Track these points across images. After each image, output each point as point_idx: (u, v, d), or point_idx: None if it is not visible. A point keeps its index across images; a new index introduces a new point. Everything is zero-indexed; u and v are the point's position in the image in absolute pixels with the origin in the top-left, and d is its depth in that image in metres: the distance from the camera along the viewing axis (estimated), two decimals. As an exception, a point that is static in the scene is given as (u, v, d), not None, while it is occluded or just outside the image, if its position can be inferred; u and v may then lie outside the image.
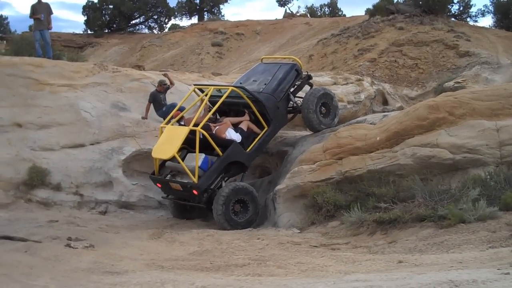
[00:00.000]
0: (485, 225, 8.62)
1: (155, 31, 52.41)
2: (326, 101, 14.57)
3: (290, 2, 53.78)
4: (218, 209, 12.25)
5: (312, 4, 53.72)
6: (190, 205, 13.54)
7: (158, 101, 15.26)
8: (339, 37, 31.11)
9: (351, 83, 20.31)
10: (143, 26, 53.21)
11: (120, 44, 46.51)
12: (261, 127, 13.61)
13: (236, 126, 13.41)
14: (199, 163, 12.41)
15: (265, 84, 14.07)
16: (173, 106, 15.18)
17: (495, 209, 8.97)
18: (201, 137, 12.45)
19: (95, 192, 14.22)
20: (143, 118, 15.10)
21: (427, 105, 11.66)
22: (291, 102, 14.34)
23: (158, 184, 13.37)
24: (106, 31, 49.92)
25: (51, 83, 15.34)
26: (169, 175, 13.13)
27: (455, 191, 9.81)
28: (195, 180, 12.27)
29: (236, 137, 13.11)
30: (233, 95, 13.43)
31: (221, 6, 55.46)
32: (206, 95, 13.74)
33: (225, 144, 12.90)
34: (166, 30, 51.49)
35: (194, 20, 53.58)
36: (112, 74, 16.61)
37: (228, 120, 13.59)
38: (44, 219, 12.24)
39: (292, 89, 14.40)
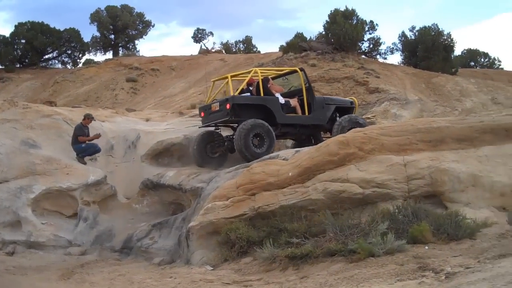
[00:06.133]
0: (393, 258, 8.77)
1: (68, 66, 51.66)
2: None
3: (206, 38, 54.27)
4: (240, 142, 14.36)
5: (227, 40, 54.22)
6: (211, 151, 15.59)
7: (82, 134, 15.14)
8: (254, 73, 31.43)
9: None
10: (56, 61, 52.47)
11: (32, 79, 45.55)
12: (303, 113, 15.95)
13: None
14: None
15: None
16: (93, 146, 15.19)
17: (403, 242, 9.15)
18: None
19: (3, 232, 13.77)
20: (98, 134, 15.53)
21: (337, 141, 11.89)
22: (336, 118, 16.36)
23: (202, 113, 15.60)
24: (18, 65, 48.85)
25: (-42, 120, 14.91)
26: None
27: (365, 225, 9.95)
28: (233, 93, 14.88)
29: (281, 99, 15.59)
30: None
31: (136, 41, 55.38)
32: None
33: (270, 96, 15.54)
34: (80, 65, 50.79)
35: (109, 55, 53.26)
36: (22, 110, 16.29)
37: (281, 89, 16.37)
38: None
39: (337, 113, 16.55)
